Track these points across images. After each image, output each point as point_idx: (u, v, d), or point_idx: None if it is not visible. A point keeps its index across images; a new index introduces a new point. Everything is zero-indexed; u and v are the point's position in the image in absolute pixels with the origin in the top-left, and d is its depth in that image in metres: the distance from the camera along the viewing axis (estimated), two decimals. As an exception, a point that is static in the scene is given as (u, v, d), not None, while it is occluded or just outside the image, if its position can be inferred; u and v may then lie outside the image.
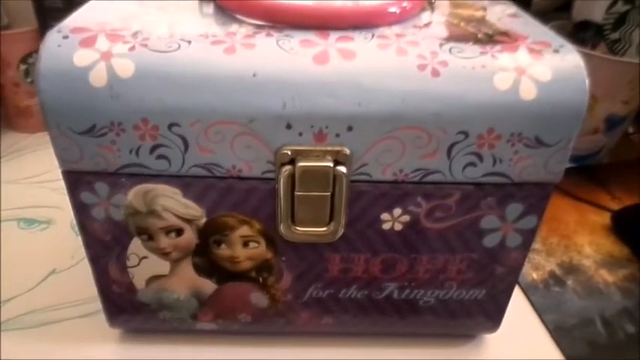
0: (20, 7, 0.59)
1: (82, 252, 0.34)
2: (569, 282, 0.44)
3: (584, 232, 0.50)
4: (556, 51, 0.27)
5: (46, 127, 0.26)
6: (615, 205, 0.53)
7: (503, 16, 0.32)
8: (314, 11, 0.28)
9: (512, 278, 0.33)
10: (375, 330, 0.37)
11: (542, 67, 0.26)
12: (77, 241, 0.44)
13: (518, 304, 0.41)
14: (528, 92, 0.26)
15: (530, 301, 0.42)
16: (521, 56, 0.27)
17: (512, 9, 0.33)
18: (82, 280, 0.40)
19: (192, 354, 0.36)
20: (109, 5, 0.30)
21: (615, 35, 0.54)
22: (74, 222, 0.44)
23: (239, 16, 0.29)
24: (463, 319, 0.35)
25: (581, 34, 0.56)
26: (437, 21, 0.31)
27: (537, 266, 0.45)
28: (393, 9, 0.29)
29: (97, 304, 0.35)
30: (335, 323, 0.35)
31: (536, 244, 0.48)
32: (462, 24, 0.30)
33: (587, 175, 0.57)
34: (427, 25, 0.30)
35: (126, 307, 0.34)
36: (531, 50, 0.27)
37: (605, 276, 0.45)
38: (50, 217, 0.48)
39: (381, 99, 0.26)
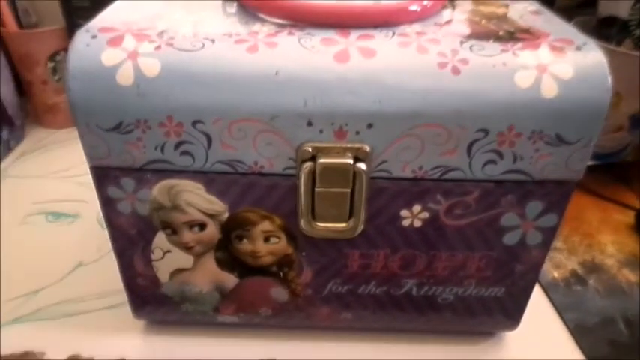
0: (48, 6, 0.60)
1: (107, 245, 0.35)
2: (591, 281, 0.44)
3: (608, 230, 0.49)
4: (578, 48, 0.27)
5: (75, 125, 0.27)
6: (639, 204, 0.52)
7: (525, 13, 0.32)
8: (335, 10, 0.28)
9: (532, 276, 0.33)
10: (394, 326, 0.37)
11: (564, 65, 0.26)
12: (103, 235, 0.45)
13: (538, 303, 0.41)
14: (550, 90, 0.26)
15: (550, 299, 0.42)
16: (543, 54, 0.27)
17: (535, 6, 0.33)
18: (108, 272, 0.41)
19: (214, 345, 0.37)
20: (134, 5, 0.31)
21: (641, 31, 0.53)
22: (100, 216, 0.45)
23: (261, 15, 0.30)
24: (482, 317, 0.35)
25: (606, 30, 0.55)
26: (458, 19, 0.31)
27: (558, 265, 0.45)
28: (413, 7, 0.29)
29: (122, 296, 0.36)
30: (354, 318, 0.36)
31: (558, 243, 0.47)
32: (484, 21, 0.30)
33: (611, 173, 0.56)
34: (448, 22, 0.30)
35: (150, 300, 0.35)
36: (553, 48, 0.27)
37: (628, 275, 0.44)
38: (77, 211, 0.49)
39: (401, 97, 0.26)
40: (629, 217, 0.51)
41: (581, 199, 0.52)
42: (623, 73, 0.26)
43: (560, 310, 0.41)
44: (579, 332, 0.39)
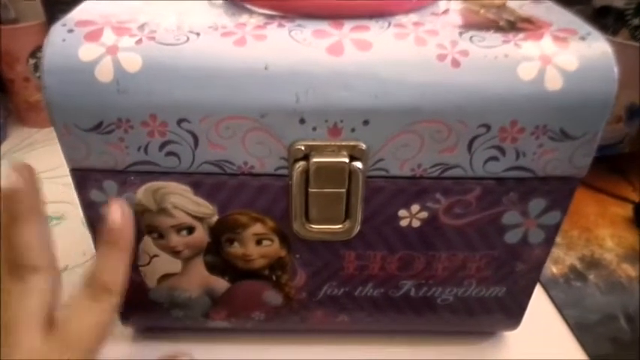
0: (28, 1, 0.58)
1: (93, 249, 0.34)
2: (591, 277, 0.43)
3: (606, 224, 0.49)
4: (582, 38, 0.26)
5: (53, 125, 0.26)
6: (637, 197, 0.51)
7: (525, 2, 0.30)
8: (327, 0, 0.26)
9: (533, 275, 0.32)
10: (392, 328, 0.36)
11: (569, 56, 0.25)
12: (89, 238, 0.43)
13: (537, 300, 0.40)
14: (554, 82, 0.25)
15: (550, 296, 0.41)
16: (546, 44, 0.25)
17: (534, -6, 0.32)
18: (94, 277, 0.40)
19: (205, 352, 0.35)
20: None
21: (637, 21, 0.52)
22: (85, 218, 0.43)
23: (249, 6, 0.28)
24: (482, 317, 0.34)
25: (602, 20, 0.54)
26: (455, 8, 0.29)
27: (557, 260, 0.44)
28: (409, -4, 0.28)
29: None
30: (350, 321, 0.34)
31: (556, 238, 0.46)
32: (482, 11, 0.29)
33: (607, 165, 0.55)
34: (445, 12, 0.29)
35: (138, 306, 0.33)
36: (556, 38, 0.26)
37: (628, 270, 0.43)
38: (61, 213, 0.48)
39: (398, 91, 0.25)
40: (626, 209, 0.50)
41: (578, 192, 0.51)
42: (620, 63, 0.25)
43: (561, 307, 0.40)
44: (580, 330, 0.38)
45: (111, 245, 0.26)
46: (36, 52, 0.57)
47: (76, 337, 0.25)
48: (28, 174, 0.24)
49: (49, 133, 0.60)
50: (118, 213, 0.26)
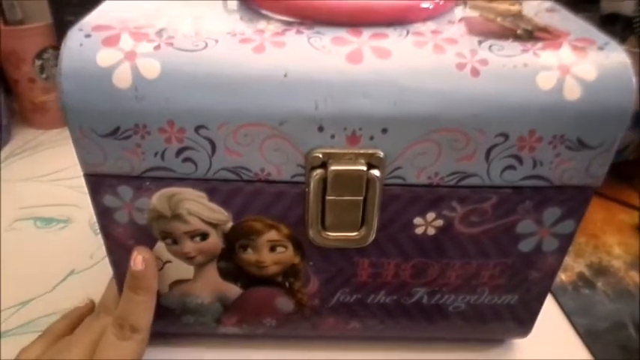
0: (34, 2, 0.58)
1: (101, 252, 0.34)
2: (599, 284, 0.43)
3: (613, 231, 0.49)
4: (600, 48, 0.26)
5: (69, 129, 0.25)
6: (644, 204, 0.51)
7: (540, 10, 0.30)
8: (346, 7, 0.26)
9: (546, 283, 0.32)
10: (403, 334, 0.36)
11: (587, 66, 0.25)
12: (96, 241, 0.43)
13: (547, 307, 0.40)
14: (572, 92, 0.25)
15: (559, 303, 0.41)
16: (565, 54, 0.25)
17: (549, 3, 0.32)
18: (102, 281, 0.39)
19: (216, 357, 0.35)
20: (130, 1, 0.29)
21: (645, 28, 0.52)
22: (92, 220, 0.43)
23: (266, 12, 0.28)
24: (494, 324, 0.34)
25: (610, 27, 0.54)
26: (471, 16, 0.29)
27: (566, 267, 0.44)
28: (426, 4, 0.28)
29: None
30: (362, 328, 0.34)
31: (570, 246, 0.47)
32: (499, 19, 0.29)
33: (613, 172, 0.54)
34: (462, 20, 0.29)
35: (148, 312, 0.33)
36: (575, 47, 0.26)
37: (636, 278, 0.44)
38: (68, 216, 0.47)
39: (417, 100, 0.24)
40: (633, 216, 0.50)
41: (585, 199, 0.52)
42: None
43: (570, 315, 0.40)
44: (590, 337, 0.38)
45: (135, 290, 0.29)
46: (42, 53, 0.57)
47: None
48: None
49: (55, 135, 0.60)
50: (139, 260, 0.29)
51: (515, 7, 0.31)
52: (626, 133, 0.54)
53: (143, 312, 0.29)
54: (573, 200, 0.28)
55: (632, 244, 0.47)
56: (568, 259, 0.45)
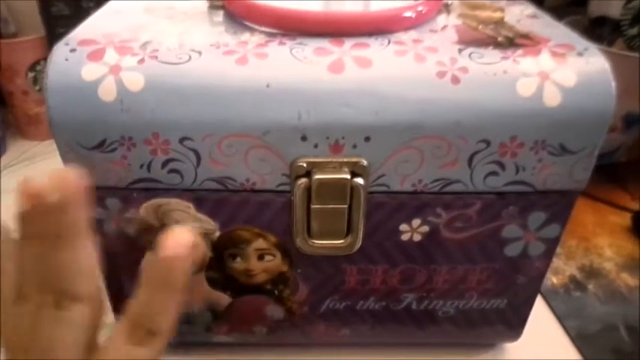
0: (27, 15, 0.58)
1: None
2: (590, 286, 0.43)
3: (604, 233, 0.49)
4: (580, 54, 0.26)
5: (56, 143, 0.26)
6: (635, 206, 0.51)
7: (522, 17, 0.31)
8: (328, 18, 0.27)
9: (534, 287, 0.32)
10: (393, 340, 0.36)
11: (567, 72, 0.25)
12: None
13: (538, 310, 0.40)
14: (552, 98, 0.25)
15: (550, 306, 0.41)
16: (544, 60, 0.26)
17: (531, 9, 0.32)
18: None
19: (207, 367, 0.35)
20: (116, 15, 0.30)
21: (633, 31, 0.52)
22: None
23: (250, 24, 0.28)
24: (483, 329, 0.34)
25: (598, 30, 0.54)
26: (454, 24, 0.30)
27: (557, 270, 0.44)
28: (408, 13, 0.28)
29: (111, 317, 0.34)
30: (352, 334, 0.34)
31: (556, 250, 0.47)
32: (481, 27, 0.29)
33: (604, 174, 0.55)
34: (444, 28, 0.29)
35: (139, 321, 0.33)
36: (554, 54, 0.26)
37: (627, 280, 0.44)
38: (61, 227, 0.48)
39: (399, 108, 0.25)
40: (624, 218, 0.51)
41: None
42: (616, 73, 0.26)
43: (561, 318, 0.40)
44: (581, 340, 0.38)
45: (161, 283, 0.20)
46: (35, 65, 0.57)
47: None
48: (74, 183, 0.18)
49: (49, 146, 0.60)
50: (178, 243, 0.20)
51: (497, 15, 0.31)
52: (617, 136, 0.54)
53: (168, 312, 0.21)
54: (557, 205, 0.28)
55: (624, 246, 0.47)
56: (559, 262, 0.45)
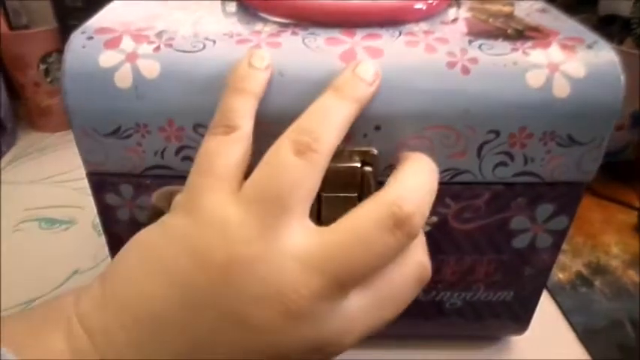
0: (39, 7, 0.59)
1: (104, 252, 0.34)
2: (597, 283, 0.43)
3: (611, 231, 0.49)
4: (589, 47, 0.26)
5: (72, 129, 0.26)
6: (642, 204, 0.52)
7: (531, 11, 0.31)
8: (340, 8, 0.27)
9: (541, 280, 0.32)
10: (400, 332, 0.36)
11: (576, 64, 0.26)
12: (99, 241, 0.44)
13: (544, 305, 0.40)
14: (561, 89, 0.25)
15: (556, 302, 0.41)
16: (554, 52, 0.26)
17: (541, 3, 0.33)
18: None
19: None
20: (131, 5, 0.30)
21: (642, 29, 0.52)
22: (96, 222, 0.44)
23: (263, 15, 0.29)
24: (490, 321, 0.35)
25: (607, 28, 0.54)
26: (464, 17, 0.30)
27: (563, 266, 0.44)
28: (419, 5, 0.28)
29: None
30: (359, 325, 0.35)
31: (563, 243, 0.47)
32: (491, 19, 0.29)
33: (611, 172, 0.55)
34: (454, 21, 0.29)
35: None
36: (564, 46, 0.26)
37: (634, 277, 0.44)
38: (72, 217, 0.48)
39: (409, 98, 0.25)
40: (631, 216, 0.51)
41: (583, 199, 0.52)
42: (625, 72, 0.26)
43: (567, 313, 0.40)
44: (587, 336, 0.38)
45: (239, 91, 0.24)
46: (46, 57, 0.58)
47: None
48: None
49: (60, 138, 0.61)
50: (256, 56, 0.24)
51: (507, 8, 0.31)
52: (624, 134, 0.54)
53: (245, 109, 0.24)
54: (565, 196, 0.29)
55: (631, 244, 0.47)
56: (566, 259, 0.45)
